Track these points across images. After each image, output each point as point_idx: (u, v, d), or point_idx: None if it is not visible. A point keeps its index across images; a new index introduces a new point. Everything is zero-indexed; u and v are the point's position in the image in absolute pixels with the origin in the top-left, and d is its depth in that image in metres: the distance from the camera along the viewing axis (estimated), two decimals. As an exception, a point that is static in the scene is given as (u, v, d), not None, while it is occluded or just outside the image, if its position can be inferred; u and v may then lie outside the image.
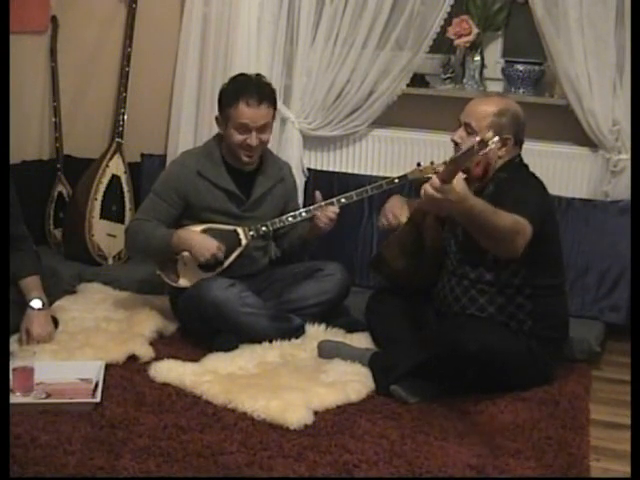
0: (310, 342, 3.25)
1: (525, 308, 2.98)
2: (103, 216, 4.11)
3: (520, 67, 3.83)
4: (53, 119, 4.28)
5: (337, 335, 3.34)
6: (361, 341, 3.28)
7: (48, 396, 2.75)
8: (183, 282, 3.32)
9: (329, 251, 3.74)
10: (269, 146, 3.52)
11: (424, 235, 3.19)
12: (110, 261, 4.12)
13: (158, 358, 3.08)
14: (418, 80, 3.96)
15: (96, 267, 4.03)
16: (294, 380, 2.92)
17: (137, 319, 3.39)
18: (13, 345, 3.05)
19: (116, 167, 4.16)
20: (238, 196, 3.38)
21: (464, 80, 3.95)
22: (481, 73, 3.94)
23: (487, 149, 2.32)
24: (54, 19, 4.27)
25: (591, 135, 3.63)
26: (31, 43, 4.20)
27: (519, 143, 3.05)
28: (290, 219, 3.37)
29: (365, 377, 2.96)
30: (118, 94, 4.22)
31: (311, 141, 4.04)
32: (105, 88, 4.32)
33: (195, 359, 3.08)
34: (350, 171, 4.01)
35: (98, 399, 2.71)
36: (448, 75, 4.00)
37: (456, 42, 3.87)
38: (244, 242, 3.34)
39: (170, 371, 2.95)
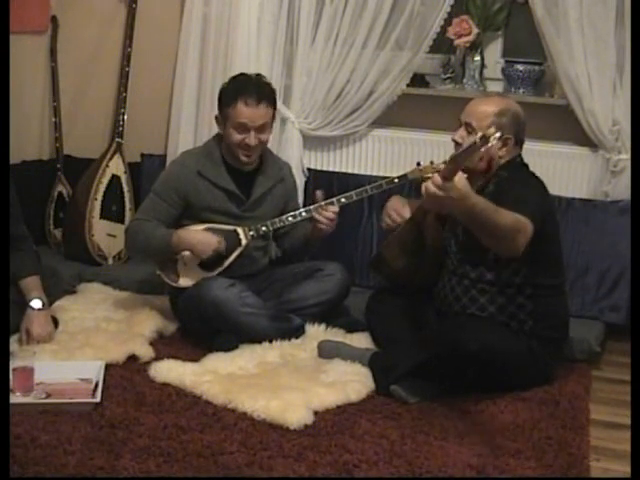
0: (310, 342, 3.25)
1: (526, 308, 2.98)
2: (103, 216, 4.11)
3: (520, 67, 3.83)
4: (53, 119, 4.28)
5: (337, 335, 3.34)
6: (361, 341, 3.28)
7: (48, 396, 2.75)
8: (183, 282, 3.32)
9: (329, 251, 3.73)
10: (269, 146, 3.52)
11: (425, 234, 3.20)
12: (110, 261, 4.12)
13: (158, 358, 3.08)
14: (418, 80, 3.96)
15: (96, 267, 4.03)
16: (294, 380, 2.92)
17: (137, 319, 3.39)
18: (13, 345, 3.05)
19: (116, 167, 4.16)
20: (238, 196, 3.38)
21: (464, 80, 3.95)
22: (481, 73, 3.94)
23: (489, 145, 2.32)
24: (54, 19, 4.27)
25: (591, 135, 3.63)
26: (31, 43, 4.20)
27: (520, 143, 3.06)
28: (290, 219, 3.37)
29: (365, 377, 2.96)
30: (118, 94, 4.22)
31: (311, 141, 4.04)
32: (105, 88, 4.32)
33: (195, 359, 3.08)
34: (350, 171, 4.01)
35: (98, 399, 2.72)
36: (448, 75, 4.00)
37: (456, 42, 3.87)
38: (244, 242, 3.34)
39: (170, 371, 2.95)
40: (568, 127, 3.73)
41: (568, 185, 3.71)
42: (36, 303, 3.14)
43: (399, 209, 3.28)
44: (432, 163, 3.35)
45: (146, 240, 3.29)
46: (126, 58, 4.18)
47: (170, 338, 3.36)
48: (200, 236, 3.28)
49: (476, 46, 3.90)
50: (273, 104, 3.31)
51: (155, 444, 2.49)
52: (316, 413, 2.72)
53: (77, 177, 4.18)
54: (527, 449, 2.58)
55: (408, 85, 3.90)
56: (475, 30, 3.83)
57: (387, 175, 3.63)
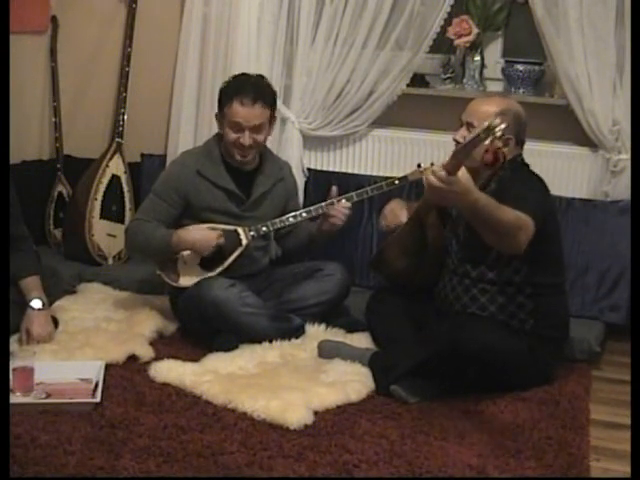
0: (310, 342, 3.25)
1: (526, 307, 2.98)
2: (103, 216, 4.11)
3: (520, 67, 3.83)
4: (53, 119, 4.28)
5: (337, 335, 3.34)
6: (361, 341, 3.28)
7: (48, 396, 2.75)
8: (183, 282, 3.32)
9: (329, 251, 3.73)
10: (269, 146, 3.52)
11: (426, 234, 3.20)
12: (110, 261, 4.12)
13: (158, 358, 3.08)
14: (418, 80, 3.96)
15: (96, 267, 4.03)
16: (294, 380, 2.92)
17: (137, 319, 3.39)
18: (13, 345, 3.05)
19: (116, 167, 4.16)
20: (238, 195, 3.38)
21: (464, 80, 3.95)
22: (481, 73, 3.94)
23: (496, 135, 2.32)
24: (54, 19, 4.27)
25: (591, 135, 3.63)
26: (31, 43, 4.20)
27: (521, 143, 3.06)
28: (291, 219, 3.38)
29: (365, 377, 2.96)
30: (118, 94, 4.22)
31: (311, 141, 4.04)
32: (105, 88, 4.32)
33: (195, 359, 3.08)
34: (350, 171, 4.01)
35: (98, 399, 2.72)
36: (448, 75, 4.00)
37: (456, 42, 3.87)
38: (245, 242, 3.34)
39: (170, 371, 2.95)
40: (568, 127, 3.73)
41: (568, 185, 3.71)
42: (36, 303, 3.14)
43: (397, 213, 3.29)
44: (432, 164, 3.34)
45: (146, 240, 3.29)
46: (126, 58, 4.18)
47: (170, 338, 3.36)
48: (199, 234, 3.28)
49: (476, 46, 3.90)
50: (271, 105, 3.31)
51: (155, 444, 2.49)
52: (316, 413, 2.72)
53: (77, 177, 4.18)
54: (527, 449, 2.58)
55: (408, 85, 3.90)
56: (475, 30, 3.83)
57: (387, 175, 3.63)
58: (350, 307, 3.54)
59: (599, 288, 3.62)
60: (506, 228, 2.62)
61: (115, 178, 4.15)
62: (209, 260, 3.30)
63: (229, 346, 3.18)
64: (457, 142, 3.01)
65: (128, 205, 4.18)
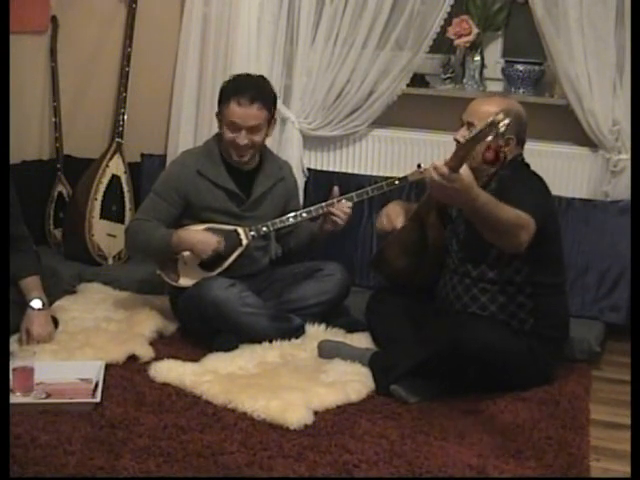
0: (310, 342, 3.25)
1: (526, 307, 2.98)
2: (103, 216, 4.11)
3: (520, 67, 3.83)
4: (53, 119, 4.28)
5: (337, 335, 3.34)
6: (361, 341, 3.28)
7: (48, 396, 2.75)
8: (183, 282, 3.32)
9: (329, 251, 3.73)
10: (269, 146, 3.52)
11: (427, 234, 3.20)
12: (110, 261, 4.12)
13: (158, 358, 3.08)
14: (418, 80, 3.95)
15: (96, 267, 4.03)
16: (294, 380, 2.92)
17: (137, 319, 3.39)
18: (13, 345, 3.05)
19: (116, 167, 4.16)
20: (238, 195, 3.38)
21: (464, 80, 3.95)
22: (481, 73, 3.94)
23: (500, 130, 2.33)
24: (54, 19, 4.27)
25: (591, 135, 3.63)
26: (31, 43, 4.20)
27: (521, 143, 3.07)
28: (291, 219, 3.38)
29: (365, 377, 2.96)
30: (118, 94, 4.22)
31: (311, 141, 4.04)
32: (105, 88, 4.32)
33: (195, 359, 3.08)
34: (350, 171, 4.01)
35: (98, 399, 2.71)
36: (448, 75, 4.00)
37: (456, 42, 3.87)
38: (245, 242, 3.34)
39: (170, 371, 2.95)
40: (568, 127, 3.73)
41: (568, 185, 3.71)
42: (36, 303, 3.14)
43: (392, 218, 3.27)
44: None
45: (146, 240, 3.29)
46: (126, 58, 4.18)
47: (170, 338, 3.36)
48: (200, 236, 3.28)
49: (476, 46, 3.89)
50: (269, 107, 3.30)
51: (155, 444, 2.49)
52: (316, 413, 2.72)
53: (77, 177, 4.17)
54: (527, 449, 2.58)
55: (408, 85, 3.90)
56: (475, 30, 3.83)
57: (387, 175, 3.64)
58: (350, 307, 3.55)
59: (599, 288, 3.62)
60: (506, 226, 2.63)
61: (115, 178, 4.15)
62: (209, 260, 3.30)
63: (229, 346, 3.18)
64: (458, 142, 3.01)
65: (128, 205, 4.18)
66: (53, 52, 4.26)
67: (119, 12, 4.24)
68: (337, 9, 3.83)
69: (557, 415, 2.82)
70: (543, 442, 2.63)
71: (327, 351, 3.15)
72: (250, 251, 3.39)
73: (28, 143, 4.24)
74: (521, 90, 3.84)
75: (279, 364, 3.09)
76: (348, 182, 3.78)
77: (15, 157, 3.86)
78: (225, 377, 2.94)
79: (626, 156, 3.56)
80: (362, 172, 3.99)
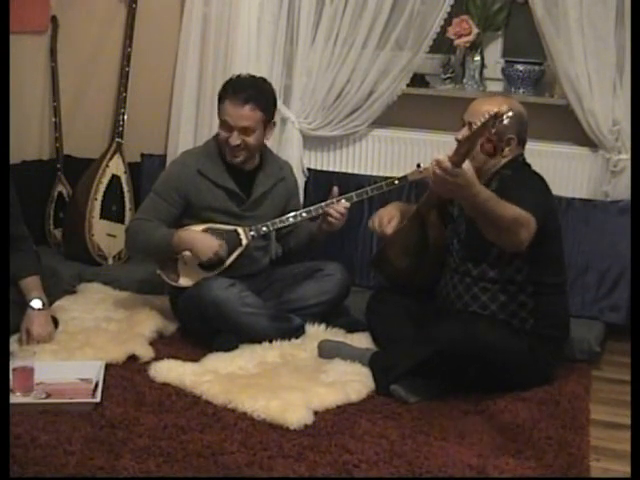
0: (310, 342, 3.25)
1: (527, 306, 2.98)
2: (103, 216, 4.11)
3: (520, 67, 3.83)
4: (53, 119, 4.28)
5: (337, 335, 3.34)
6: (361, 341, 3.28)
7: (48, 396, 2.75)
8: (183, 282, 3.32)
9: (329, 251, 3.73)
10: (269, 146, 3.52)
11: (428, 233, 3.20)
12: (110, 261, 4.12)
13: (158, 358, 3.08)
14: (418, 80, 3.96)
15: (96, 267, 4.03)
16: (294, 380, 2.92)
17: (137, 319, 3.39)
18: (13, 345, 3.05)
19: (116, 167, 4.16)
20: (238, 195, 3.38)
21: (464, 80, 3.95)
22: (481, 73, 3.94)
23: (503, 123, 2.33)
24: (54, 19, 4.27)
25: (591, 135, 3.63)
26: (31, 43, 4.20)
27: (522, 143, 3.07)
28: (291, 219, 3.38)
29: (365, 377, 2.96)
30: (118, 94, 4.22)
31: (311, 141, 4.04)
32: (105, 88, 4.32)
33: (195, 359, 3.08)
34: (350, 171, 4.01)
35: (98, 399, 2.71)
36: (448, 75, 4.00)
37: (456, 42, 3.87)
38: (245, 242, 3.34)
39: (170, 371, 2.95)
40: (568, 127, 3.73)
41: (568, 185, 3.71)
42: (36, 303, 3.14)
43: (384, 220, 3.24)
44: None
45: (146, 240, 3.29)
46: (126, 58, 4.18)
47: (170, 338, 3.36)
48: (201, 238, 3.28)
49: (476, 46, 3.90)
50: (264, 109, 3.28)
51: (155, 444, 2.49)
52: (316, 413, 2.72)
53: (77, 177, 4.18)
54: (527, 449, 2.58)
55: (408, 85, 3.90)
56: (475, 30, 3.83)
57: (387, 175, 3.64)
58: (350, 307, 3.54)
59: (599, 288, 3.62)
60: (507, 223, 2.64)
61: (115, 178, 4.15)
62: (209, 261, 3.30)
63: (229, 346, 3.17)
64: (459, 142, 3.02)
65: (128, 205, 4.18)
66: (53, 52, 4.26)
67: (119, 12, 4.24)
68: (337, 9, 3.83)
69: (557, 415, 2.82)
70: (543, 442, 2.63)
71: (327, 351, 3.15)
72: (250, 251, 3.39)
73: (28, 143, 4.24)
74: (521, 90, 3.84)
75: (279, 364, 3.09)
76: (348, 182, 3.78)
77: (15, 157, 3.86)
78: (225, 377, 2.94)
79: (626, 156, 3.56)
80: (362, 172, 3.99)
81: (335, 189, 3.37)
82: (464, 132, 3.00)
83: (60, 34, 4.28)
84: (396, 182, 3.39)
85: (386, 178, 3.46)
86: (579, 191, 3.72)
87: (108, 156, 4.15)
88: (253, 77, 3.37)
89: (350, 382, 2.91)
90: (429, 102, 3.96)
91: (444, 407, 2.82)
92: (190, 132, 4.05)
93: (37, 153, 4.31)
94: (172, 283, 3.34)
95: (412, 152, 3.91)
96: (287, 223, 3.38)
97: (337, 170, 4.02)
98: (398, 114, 3.95)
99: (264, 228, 3.35)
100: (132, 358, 3.08)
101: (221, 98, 3.30)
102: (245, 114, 3.25)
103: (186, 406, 2.76)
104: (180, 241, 3.27)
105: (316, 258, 3.60)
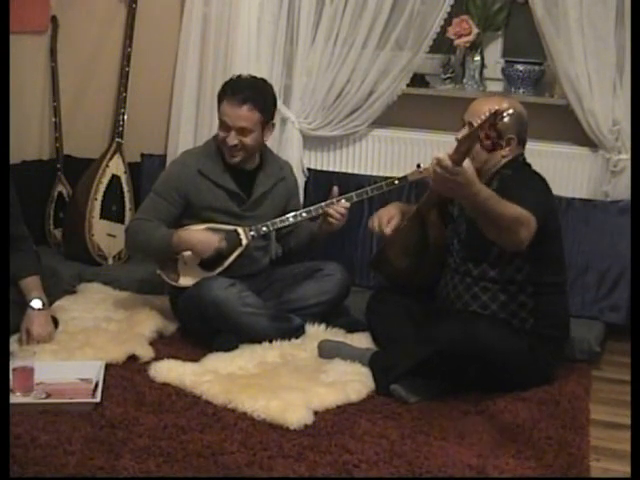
0: (310, 342, 3.25)
1: (527, 306, 2.98)
2: (103, 216, 4.11)
3: (520, 67, 3.83)
4: (53, 119, 4.28)
5: (337, 335, 3.34)
6: (361, 341, 3.28)
7: (48, 396, 2.75)
8: (183, 281, 3.32)
9: (329, 251, 3.73)
10: (269, 146, 3.52)
11: (428, 233, 3.20)
12: (110, 261, 4.12)
13: (158, 358, 3.08)
14: (418, 80, 3.96)
15: (96, 267, 4.03)
16: (294, 380, 2.92)
17: (137, 319, 3.39)
18: (13, 345, 3.05)
19: (116, 167, 4.16)
20: (239, 195, 3.38)
21: (464, 80, 3.95)
22: (481, 73, 3.94)
23: (504, 120, 2.33)
24: (54, 19, 4.27)
25: (591, 135, 3.63)
26: (31, 43, 4.20)
27: (522, 143, 3.07)
28: (291, 219, 3.38)
29: (365, 377, 2.96)
30: (118, 94, 4.22)
31: (311, 141, 4.04)
32: (105, 88, 4.32)
33: (195, 359, 3.08)
34: (350, 171, 4.01)
35: (98, 399, 2.71)
36: (448, 75, 4.00)
37: (456, 42, 3.87)
38: (245, 242, 3.34)
39: (170, 371, 2.95)
40: (568, 127, 3.73)
41: (568, 185, 3.71)
42: (36, 303, 3.14)
43: (384, 220, 3.24)
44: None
45: (146, 240, 3.29)
46: (126, 58, 4.18)
47: (170, 338, 3.36)
48: (201, 236, 3.28)
49: (476, 46, 3.90)
50: (262, 109, 3.27)
51: (155, 444, 2.49)
52: (316, 413, 2.72)
53: (77, 177, 4.18)
54: (527, 449, 2.58)
55: (408, 85, 3.90)
56: (475, 30, 3.83)
57: (387, 175, 3.64)
58: (350, 307, 3.54)
59: (599, 288, 3.62)
60: (507, 222, 2.64)
61: (115, 178, 4.15)
62: (209, 260, 3.30)
63: (229, 346, 3.17)
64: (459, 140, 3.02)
65: (128, 205, 4.18)
66: (53, 52, 4.26)
67: (119, 12, 4.24)
68: (337, 9, 3.83)
69: (557, 415, 2.81)
70: (543, 442, 2.62)
71: (327, 351, 3.15)
72: (250, 251, 3.39)
73: (28, 143, 4.24)
74: (521, 90, 3.84)
75: (279, 364, 3.09)
76: (348, 182, 3.78)
77: (15, 157, 3.86)
78: (225, 377, 2.94)
79: (626, 156, 3.56)
80: (362, 172, 3.99)
81: (335, 189, 3.38)
82: (464, 132, 3.00)
83: (60, 34, 4.28)
84: (396, 182, 3.39)
85: (386, 178, 3.46)
86: (579, 191, 3.72)
87: (108, 156, 4.15)
88: (253, 78, 3.37)
89: (350, 382, 2.91)
90: (429, 102, 3.96)
91: (444, 407, 2.82)
92: (190, 132, 4.05)
93: (37, 153, 4.31)
94: (172, 283, 3.34)
95: (412, 152, 3.91)
96: (287, 223, 3.38)
97: (337, 170, 4.02)
98: (398, 114, 3.95)
99: (264, 228, 3.36)
100: (132, 358, 3.08)
101: (220, 98, 3.31)
102: (243, 115, 3.25)
103: (186, 406, 2.76)
104: (180, 241, 3.27)
105: (316, 258, 3.61)
